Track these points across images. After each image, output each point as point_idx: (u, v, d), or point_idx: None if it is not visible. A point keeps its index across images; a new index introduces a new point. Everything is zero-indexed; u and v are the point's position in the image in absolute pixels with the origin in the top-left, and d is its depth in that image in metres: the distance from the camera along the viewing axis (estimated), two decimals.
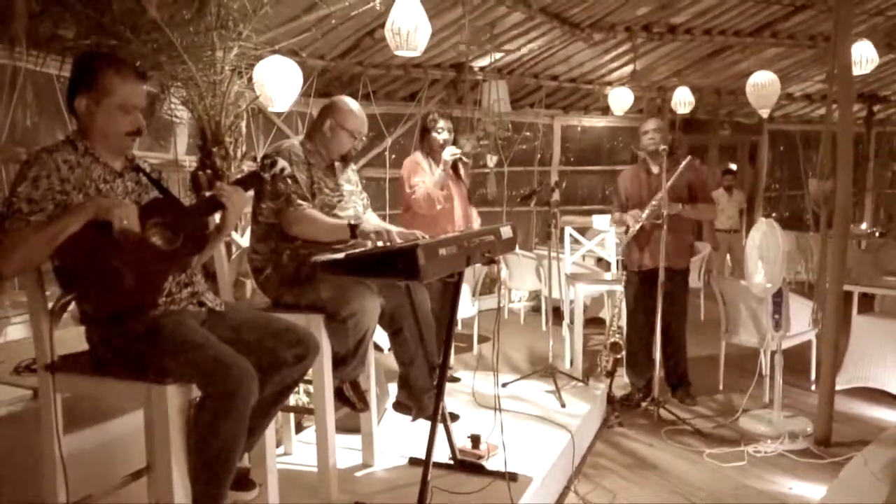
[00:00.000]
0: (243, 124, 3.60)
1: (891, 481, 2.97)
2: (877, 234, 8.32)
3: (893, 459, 3.17)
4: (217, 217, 2.16)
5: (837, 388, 3.90)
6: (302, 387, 3.33)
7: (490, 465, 2.98)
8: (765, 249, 3.97)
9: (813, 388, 4.56)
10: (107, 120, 1.95)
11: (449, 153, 3.92)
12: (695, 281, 6.59)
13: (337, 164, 2.91)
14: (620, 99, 7.30)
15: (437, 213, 3.96)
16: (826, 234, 4.65)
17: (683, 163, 4.07)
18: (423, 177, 3.96)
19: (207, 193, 2.18)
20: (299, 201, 2.70)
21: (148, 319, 1.93)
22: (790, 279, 4.09)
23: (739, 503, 3.11)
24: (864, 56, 5.52)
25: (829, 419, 3.75)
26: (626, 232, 4.27)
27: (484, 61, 7.20)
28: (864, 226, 9.16)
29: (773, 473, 3.41)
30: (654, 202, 4.08)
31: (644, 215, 4.12)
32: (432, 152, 4.03)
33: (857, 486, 3.03)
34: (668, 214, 4.04)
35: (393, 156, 7.19)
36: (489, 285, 6.73)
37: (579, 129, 9.25)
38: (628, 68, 7.78)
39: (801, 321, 4.49)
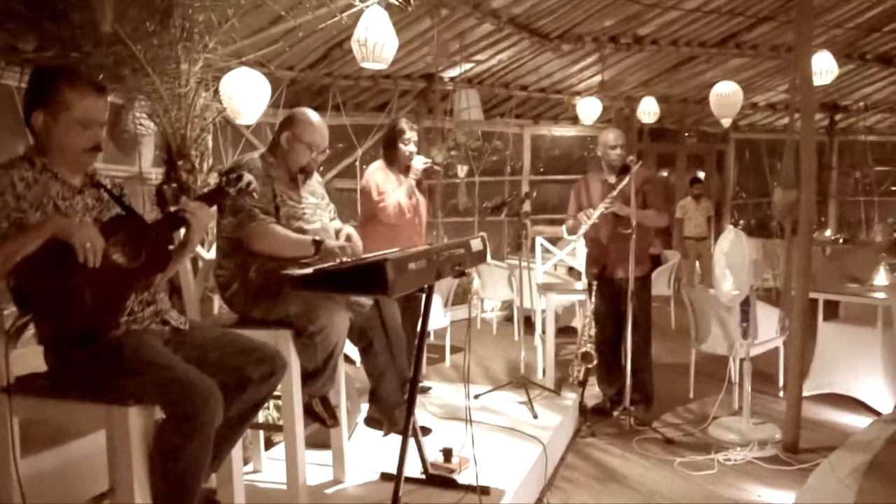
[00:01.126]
0: (210, 137, 3.56)
1: (856, 487, 3.01)
2: (841, 240, 8.49)
3: (860, 465, 3.21)
4: (181, 233, 2.12)
5: (805, 394, 3.95)
6: (271, 403, 3.29)
7: (462, 478, 2.96)
8: (732, 258, 4.02)
9: (781, 394, 4.62)
10: (64, 135, 1.90)
11: (420, 162, 3.90)
12: (664, 289, 6.67)
13: (299, 177, 2.87)
14: (589, 109, 7.38)
15: (403, 223, 3.92)
16: (791, 243, 4.74)
17: (634, 168, 4.03)
18: (390, 185, 3.92)
19: (171, 209, 2.13)
20: (262, 216, 2.66)
21: (109, 339, 1.88)
22: (758, 286, 4.13)
23: None
24: (823, 67, 5.65)
25: (796, 425, 3.79)
26: (576, 232, 4.25)
27: (454, 72, 7.22)
28: (828, 233, 9.34)
29: (742, 481, 3.44)
30: (605, 202, 4.10)
31: (595, 214, 4.12)
32: (397, 161, 3.98)
33: (824, 492, 3.06)
34: (617, 218, 4.09)
35: (363, 166, 7.14)
36: (461, 295, 6.73)
37: (549, 138, 9.32)
38: (597, 78, 7.87)
39: (769, 328, 4.55)
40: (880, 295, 4.44)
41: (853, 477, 3.11)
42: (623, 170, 4.10)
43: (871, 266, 5.14)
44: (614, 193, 4.07)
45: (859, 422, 4.19)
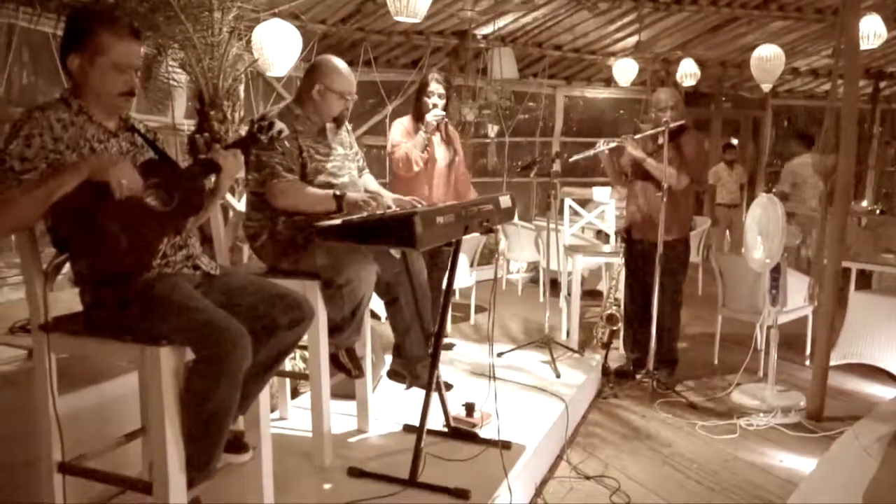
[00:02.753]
0: (241, 88, 3.55)
1: (880, 456, 3.00)
2: (877, 211, 8.29)
3: (884, 435, 3.19)
4: (213, 179, 2.14)
5: (831, 363, 3.91)
6: (298, 352, 3.35)
7: (484, 433, 3.00)
8: (764, 224, 3.96)
9: (807, 363, 4.58)
10: (100, 79, 1.91)
11: (431, 115, 3.86)
12: (693, 256, 6.60)
13: (329, 126, 2.87)
14: (625, 70, 7.22)
15: (414, 177, 3.89)
16: (826, 210, 4.64)
17: (667, 125, 3.95)
18: (406, 138, 3.91)
19: (203, 156, 2.15)
20: (283, 173, 2.67)
21: (142, 281, 1.92)
22: (788, 255, 4.07)
23: (730, 474, 3.14)
24: (871, 30, 5.44)
25: (821, 394, 3.77)
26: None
27: (487, 29, 7.11)
28: (864, 203, 9.12)
29: (764, 446, 3.44)
30: (620, 139, 4.08)
31: (611, 144, 4.08)
32: (422, 116, 3.96)
33: (847, 461, 3.06)
34: (649, 178, 4.05)
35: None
36: (487, 256, 6.73)
37: (582, 99, 9.18)
38: (632, 39, 7.69)
39: (798, 297, 4.50)
40: None
41: (878, 446, 3.10)
42: (675, 133, 4.00)
43: None
44: (638, 136, 4.02)
45: (886, 392, 4.15)
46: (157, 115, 4.89)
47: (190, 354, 1.90)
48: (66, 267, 2.00)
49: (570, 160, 4.19)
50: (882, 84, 10.00)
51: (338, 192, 2.70)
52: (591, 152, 4.17)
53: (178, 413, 1.88)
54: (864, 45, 5.28)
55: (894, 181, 10.66)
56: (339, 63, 2.84)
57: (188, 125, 4.74)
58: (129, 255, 1.85)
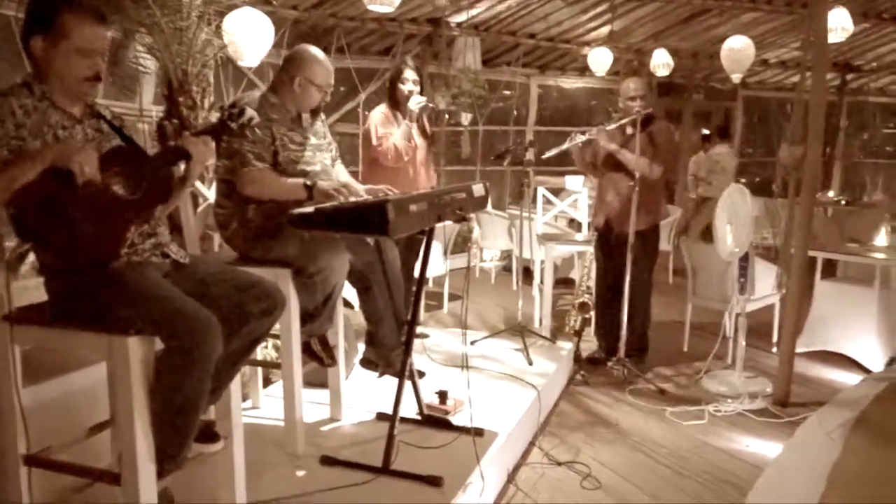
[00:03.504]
0: (211, 74, 3.50)
1: (843, 441, 3.07)
2: (843, 202, 8.46)
3: (846, 420, 3.27)
4: (182, 167, 2.11)
5: (797, 350, 3.99)
6: (270, 341, 3.32)
7: (456, 420, 3.01)
8: (734, 214, 4.01)
9: (774, 350, 4.67)
10: (64, 64, 1.87)
11: (415, 102, 3.85)
12: (664, 244, 6.67)
13: (305, 116, 2.84)
14: (600, 59, 7.24)
15: (402, 166, 3.90)
16: (794, 200, 4.72)
17: (636, 114, 3.98)
18: (390, 128, 3.90)
19: (172, 143, 2.12)
20: (254, 161, 2.64)
21: (109, 270, 1.88)
22: (757, 244, 4.13)
23: (699, 459, 3.19)
24: (839, 24, 5.52)
25: (788, 380, 3.84)
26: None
27: (461, 17, 7.08)
28: (831, 193, 9.29)
29: (732, 431, 3.50)
30: (593, 131, 4.09)
31: (583, 138, 4.09)
32: (399, 104, 3.95)
33: (812, 445, 3.13)
34: (621, 168, 4.09)
35: (366, 112, 7.06)
36: (461, 244, 6.74)
37: (555, 89, 9.20)
38: (605, 29, 7.72)
39: (766, 285, 4.58)
40: (880, 255, 4.44)
41: (840, 431, 3.17)
42: (645, 122, 4.03)
43: (872, 228, 5.13)
44: (609, 126, 4.04)
45: (849, 379, 4.24)
46: (125, 101, 4.80)
47: (159, 344, 1.88)
48: (31, 256, 1.96)
49: (544, 157, 4.19)
50: (849, 77, 10.18)
51: (308, 182, 2.67)
52: (564, 146, 4.18)
53: (147, 403, 1.86)
54: (833, 37, 5.35)
55: (860, 172, 10.87)
56: (319, 54, 2.81)
57: (156, 111, 4.66)
58: (95, 244, 1.82)
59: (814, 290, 4.74)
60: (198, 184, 3.12)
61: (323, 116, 3.01)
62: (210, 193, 3.16)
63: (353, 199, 2.65)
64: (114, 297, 1.86)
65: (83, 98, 1.98)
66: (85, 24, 1.87)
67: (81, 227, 1.77)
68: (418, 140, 4.01)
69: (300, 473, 2.59)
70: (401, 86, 3.92)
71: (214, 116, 3.45)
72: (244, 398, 3.01)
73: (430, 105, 3.96)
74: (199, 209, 3.23)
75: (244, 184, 2.65)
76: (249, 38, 3.92)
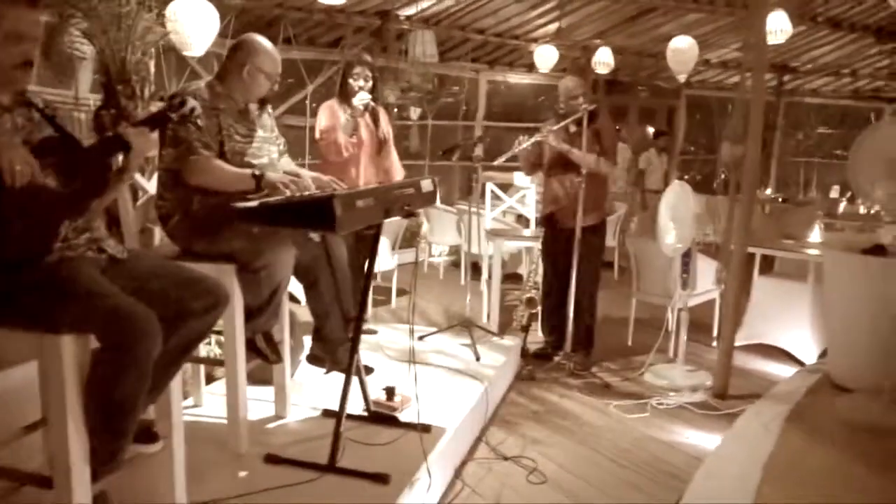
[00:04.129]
0: (152, 63, 3.40)
1: (778, 432, 3.17)
2: (780, 199, 8.74)
3: (781, 412, 3.38)
4: (120, 159, 2.03)
5: (736, 344, 4.11)
6: (213, 337, 3.25)
7: (404, 416, 3.00)
8: (677, 210, 4.10)
9: (714, 343, 4.80)
10: None
11: (358, 99, 3.83)
12: (609, 240, 6.79)
13: (252, 107, 2.78)
14: (546, 57, 7.31)
15: (344, 162, 3.87)
16: (734, 198, 4.84)
17: (583, 109, 4.02)
18: (334, 122, 3.86)
19: (110, 133, 2.04)
20: (201, 150, 2.57)
21: (42, 266, 1.81)
22: (699, 240, 4.23)
23: (640, 451, 3.25)
24: (777, 26, 5.69)
25: (726, 373, 3.96)
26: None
27: (410, 10, 7.04)
28: (768, 191, 9.60)
29: (673, 424, 3.58)
30: (541, 133, 4.10)
31: (530, 141, 4.10)
32: (348, 98, 3.92)
33: (749, 436, 3.22)
34: (569, 164, 4.13)
35: (314, 104, 6.98)
36: (409, 239, 6.72)
37: (504, 84, 9.24)
38: (554, 26, 7.78)
39: (707, 280, 4.69)
40: (813, 251, 4.60)
41: (775, 423, 3.28)
42: (590, 119, 4.06)
43: (807, 225, 5.32)
44: (555, 127, 4.08)
45: (785, 371, 4.39)
46: (59, 89, 4.62)
47: (95, 342, 1.81)
48: None
49: (495, 163, 4.21)
50: (786, 77, 10.52)
51: (257, 172, 2.62)
52: (514, 151, 4.18)
53: (81, 404, 1.79)
54: (771, 39, 5.52)
55: (795, 170, 11.26)
56: (267, 43, 2.77)
57: (94, 100, 4.50)
58: (26, 239, 1.74)
59: (752, 286, 4.89)
60: (138, 176, 3.02)
61: (270, 109, 2.95)
62: (151, 186, 3.07)
63: (300, 192, 2.60)
64: (46, 293, 1.78)
65: (14, 86, 1.88)
66: (15, 6, 1.78)
67: (10, 222, 1.69)
68: (366, 136, 3.97)
69: (243, 473, 2.54)
70: (351, 81, 3.89)
71: (155, 107, 3.35)
72: (186, 396, 2.94)
73: (373, 104, 3.92)
74: (140, 202, 3.13)
75: (190, 172, 2.57)
76: (194, 26, 3.82)
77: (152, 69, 3.33)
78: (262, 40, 2.76)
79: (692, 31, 7.57)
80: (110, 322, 1.76)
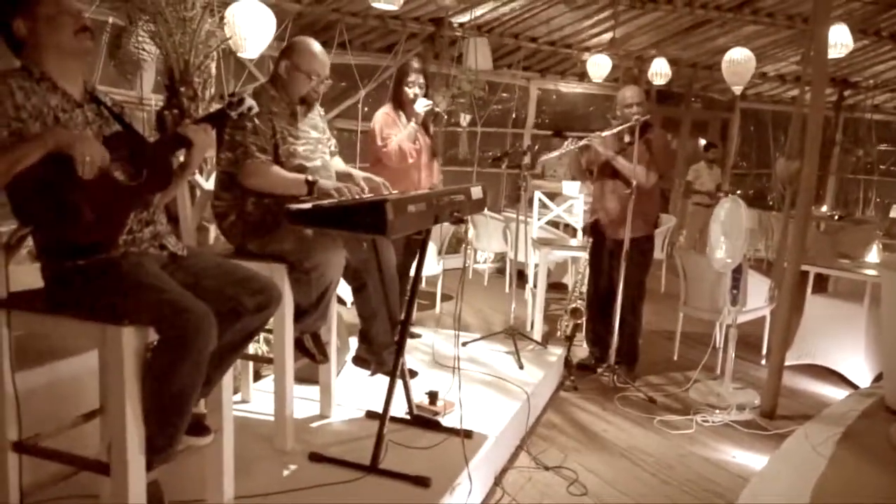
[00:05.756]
0: (213, 65, 3.49)
1: (829, 456, 3.09)
2: (836, 217, 8.51)
3: (833, 435, 3.29)
4: (181, 156, 2.10)
5: (786, 363, 4.01)
6: (262, 335, 3.32)
7: (446, 421, 3.01)
8: (728, 225, 4.04)
9: (763, 362, 4.69)
10: (51, 28, 1.85)
11: (422, 105, 3.87)
12: (657, 253, 6.70)
13: (299, 108, 2.84)
14: (599, 66, 7.27)
15: (406, 167, 3.93)
16: (788, 214, 4.74)
17: (643, 120, 3.99)
18: (395, 129, 3.91)
19: (173, 131, 2.11)
20: (257, 153, 2.63)
21: (107, 259, 1.88)
22: (750, 256, 4.15)
23: (684, 469, 3.20)
24: (839, 40, 5.56)
25: (775, 393, 3.87)
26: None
27: (464, 17, 7.08)
28: (824, 208, 9.35)
29: (718, 442, 3.52)
30: (591, 137, 4.09)
31: (580, 143, 4.10)
32: (403, 105, 3.96)
33: (797, 459, 3.14)
34: (617, 175, 4.11)
35: (366, 108, 7.07)
36: (455, 245, 6.74)
37: (555, 93, 9.21)
38: (607, 35, 7.73)
39: (757, 297, 4.60)
40: (870, 272, 4.47)
41: (826, 446, 3.19)
42: (642, 130, 4.02)
43: (863, 244, 5.18)
44: (605, 133, 4.06)
45: (837, 394, 4.27)
46: (124, 89, 4.78)
47: (153, 335, 1.87)
48: (29, 240, 1.95)
49: (540, 161, 4.22)
50: (846, 93, 10.24)
51: (311, 178, 2.67)
52: (560, 151, 4.21)
53: (138, 394, 1.85)
54: (832, 53, 5.40)
55: (853, 188, 10.93)
56: (313, 44, 2.81)
57: (156, 100, 4.65)
58: (94, 230, 1.81)
59: (804, 304, 4.77)
60: (196, 175, 3.11)
61: (322, 111, 3.01)
62: (208, 185, 3.15)
63: (351, 195, 2.65)
64: (110, 286, 1.85)
65: (83, 56, 1.96)
66: None
67: (80, 212, 1.77)
68: (423, 141, 4.03)
69: (288, 469, 2.59)
70: (406, 88, 3.94)
71: (215, 108, 3.43)
72: (235, 391, 3.01)
73: (437, 109, 3.97)
74: (197, 201, 3.21)
75: (246, 175, 2.64)
76: (251, 29, 3.92)
77: (213, 72, 3.42)
78: (306, 40, 2.82)
79: (749, 43, 7.43)
80: (169, 316, 1.82)
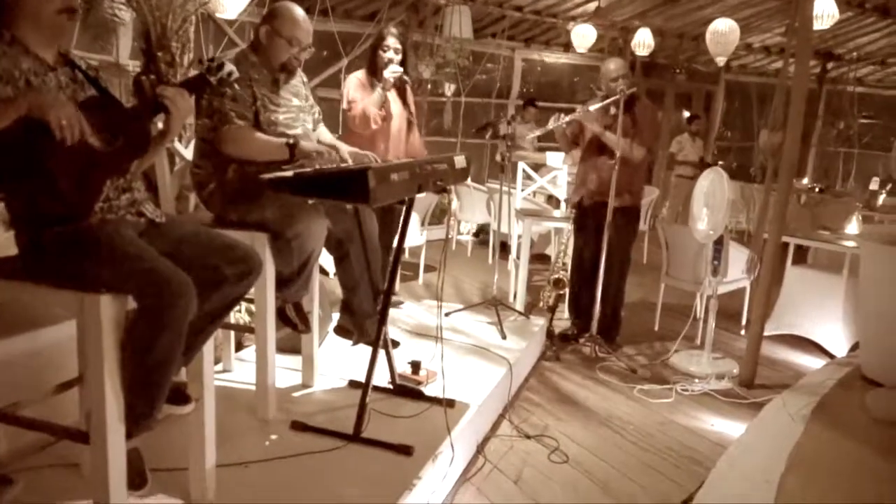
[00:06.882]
0: (191, 30, 3.41)
1: (804, 423, 3.14)
2: (817, 189, 8.57)
3: (809, 403, 3.34)
4: (160, 122, 2.06)
5: (766, 334, 4.06)
6: (244, 305, 3.30)
7: (428, 391, 3.03)
8: (711, 197, 4.05)
9: (742, 332, 4.75)
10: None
11: (390, 71, 3.76)
12: (641, 224, 6.72)
13: (280, 76, 2.78)
14: (583, 36, 7.21)
15: (372, 133, 3.80)
16: (770, 186, 4.76)
17: (622, 93, 3.95)
18: (363, 94, 3.83)
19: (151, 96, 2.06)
20: (236, 119, 2.58)
21: (83, 226, 1.84)
22: (731, 228, 4.17)
23: (664, 437, 3.25)
24: (824, 10, 5.55)
25: (754, 363, 3.92)
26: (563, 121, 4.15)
27: None
28: (805, 181, 9.42)
29: (697, 410, 3.57)
30: (578, 113, 4.08)
31: (567, 118, 4.09)
32: (377, 71, 3.87)
33: (775, 426, 3.19)
34: (602, 146, 4.11)
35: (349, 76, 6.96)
36: (438, 215, 6.72)
37: (539, 63, 9.14)
38: (592, 4, 7.66)
39: (738, 269, 4.64)
40: (850, 244, 4.52)
41: (802, 414, 3.24)
42: (627, 104, 4.00)
43: (843, 216, 5.21)
44: (592, 108, 4.03)
45: (814, 363, 4.33)
46: (100, 54, 4.67)
47: (132, 303, 1.85)
48: (1, 206, 1.91)
49: (528, 138, 4.19)
50: (830, 65, 10.25)
51: (291, 141, 2.63)
52: (548, 128, 4.18)
53: (117, 362, 1.83)
54: (818, 24, 5.39)
55: (834, 160, 11.01)
56: (295, 9, 2.74)
57: (133, 65, 4.55)
58: (69, 196, 1.77)
59: (784, 276, 4.82)
60: (175, 142, 3.05)
61: (305, 78, 2.95)
62: (187, 153, 3.10)
63: (333, 163, 2.61)
64: (87, 253, 1.82)
65: (61, 35, 1.90)
66: None
67: (55, 179, 1.72)
68: (395, 110, 3.93)
69: (270, 438, 2.59)
70: (381, 52, 3.84)
71: (193, 73, 3.36)
72: (216, 361, 2.99)
73: (405, 77, 3.86)
74: (176, 168, 3.17)
75: (225, 142, 2.59)
76: None
77: (191, 37, 3.35)
78: (288, 5, 2.74)
79: (735, 13, 7.39)
80: (148, 284, 1.79)
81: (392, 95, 3.88)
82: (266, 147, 2.63)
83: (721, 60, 6.74)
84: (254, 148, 2.62)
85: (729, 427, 3.38)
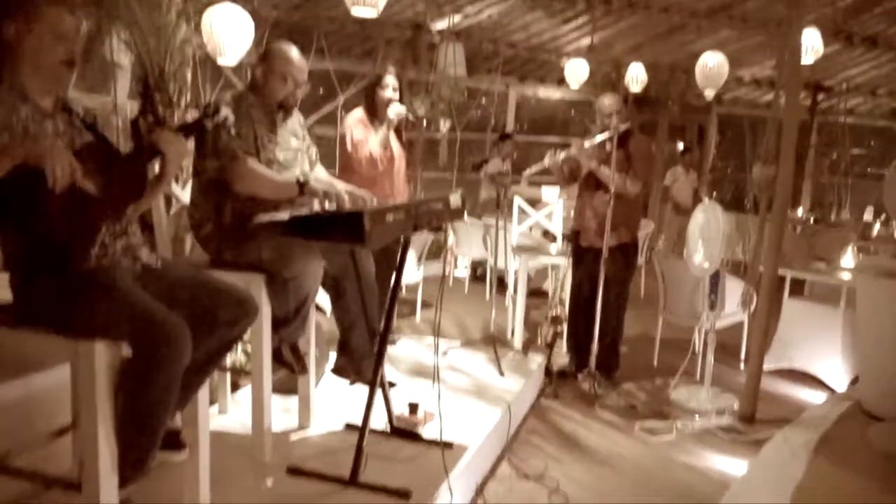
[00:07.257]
0: (189, 72, 3.45)
1: (807, 459, 3.11)
2: (812, 220, 8.61)
3: (811, 439, 3.32)
4: (156, 167, 2.07)
5: (765, 368, 4.04)
6: (240, 346, 3.27)
7: (426, 433, 2.99)
8: (706, 230, 4.06)
9: (742, 367, 4.72)
10: (38, 47, 1.82)
11: (394, 111, 3.81)
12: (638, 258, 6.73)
13: (277, 115, 2.80)
14: (577, 71, 7.29)
15: (375, 175, 3.83)
16: (764, 218, 4.78)
17: (616, 128, 3.99)
18: (367, 135, 3.86)
19: (146, 141, 2.07)
20: (244, 155, 2.60)
21: (78, 272, 1.84)
22: (728, 260, 4.18)
23: (665, 475, 3.21)
24: (810, 45, 5.61)
25: (754, 398, 3.89)
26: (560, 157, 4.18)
27: (442, 23, 7.08)
28: (800, 211, 9.46)
29: (698, 447, 3.53)
30: (573, 150, 4.10)
31: (563, 155, 4.12)
32: (377, 111, 3.91)
33: (777, 463, 3.16)
34: (598, 183, 4.12)
35: (345, 114, 7.01)
36: (435, 251, 6.72)
37: (534, 98, 9.24)
38: (586, 40, 7.77)
39: (734, 302, 4.63)
40: (846, 276, 4.52)
41: (804, 450, 3.22)
42: (622, 139, 4.04)
43: (838, 247, 5.22)
44: (587, 144, 4.06)
45: (814, 398, 4.31)
46: (98, 95, 4.71)
47: (126, 349, 1.83)
48: None
49: (524, 175, 4.22)
50: (820, 97, 10.37)
51: (301, 179, 2.65)
52: (544, 164, 4.20)
53: (111, 409, 1.81)
54: (804, 58, 5.44)
55: (828, 191, 11.07)
56: (289, 48, 2.78)
57: (131, 107, 4.58)
58: (64, 242, 1.77)
59: (782, 309, 4.81)
60: (172, 185, 3.06)
61: (301, 118, 2.98)
62: (184, 195, 3.11)
63: (334, 204, 2.63)
64: (82, 300, 1.81)
65: (59, 85, 1.93)
66: (58, 6, 1.84)
67: (51, 225, 1.73)
68: (396, 149, 3.97)
69: (266, 483, 2.55)
70: (380, 91, 3.87)
71: (191, 115, 3.39)
72: (212, 403, 2.96)
73: (409, 116, 3.90)
74: (173, 211, 3.17)
75: (236, 178, 2.58)
76: (229, 33, 3.86)
77: (189, 79, 3.38)
78: (282, 44, 2.78)
79: (725, 47, 7.49)
80: (142, 330, 1.78)
81: (392, 135, 3.92)
82: (277, 184, 2.65)
83: (710, 93, 6.81)
84: (265, 184, 2.63)
85: (730, 465, 3.34)
